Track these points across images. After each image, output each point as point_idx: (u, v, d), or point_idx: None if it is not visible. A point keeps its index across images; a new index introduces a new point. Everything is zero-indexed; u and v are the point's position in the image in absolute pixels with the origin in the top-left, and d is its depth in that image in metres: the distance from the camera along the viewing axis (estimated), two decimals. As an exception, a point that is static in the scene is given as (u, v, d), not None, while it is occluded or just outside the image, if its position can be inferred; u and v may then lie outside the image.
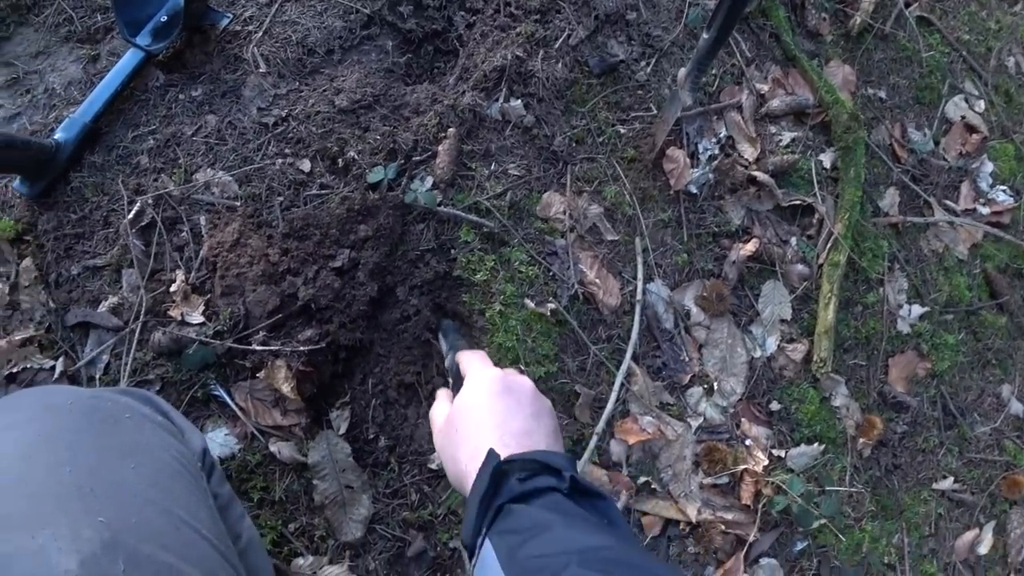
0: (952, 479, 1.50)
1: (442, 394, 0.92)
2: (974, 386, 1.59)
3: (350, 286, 1.05)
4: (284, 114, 1.13)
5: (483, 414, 0.76)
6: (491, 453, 0.68)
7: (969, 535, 1.51)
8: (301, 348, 1.03)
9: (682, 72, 1.22)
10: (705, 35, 1.12)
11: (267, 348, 1.03)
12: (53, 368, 1.05)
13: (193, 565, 0.58)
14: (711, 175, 1.34)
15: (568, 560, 0.55)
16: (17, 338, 1.05)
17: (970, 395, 1.58)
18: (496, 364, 1.12)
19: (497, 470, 0.66)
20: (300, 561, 1.07)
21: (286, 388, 1.03)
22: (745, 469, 1.32)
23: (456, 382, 0.91)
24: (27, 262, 1.08)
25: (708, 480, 1.30)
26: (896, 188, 1.55)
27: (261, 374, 1.04)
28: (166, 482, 0.65)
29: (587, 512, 0.64)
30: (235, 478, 1.06)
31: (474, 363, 0.86)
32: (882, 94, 1.61)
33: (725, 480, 1.31)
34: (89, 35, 1.20)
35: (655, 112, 1.32)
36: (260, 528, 1.05)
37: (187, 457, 0.72)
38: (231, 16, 1.20)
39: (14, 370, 1.05)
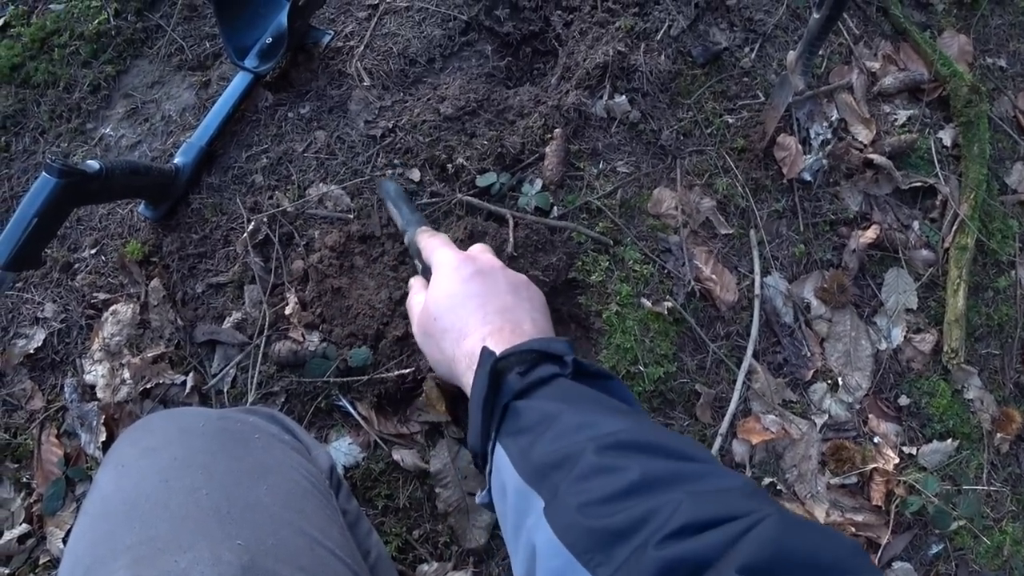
0: (1103, 474, 1.39)
1: (416, 283, 0.91)
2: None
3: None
4: (391, 125, 1.14)
5: (460, 299, 0.75)
6: (485, 351, 0.65)
7: (1126, 534, 1.39)
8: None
9: (791, 55, 1.17)
10: (816, 14, 1.07)
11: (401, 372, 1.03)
12: (184, 383, 1.09)
13: None
14: (825, 161, 1.28)
15: (583, 447, 0.52)
16: (149, 355, 1.09)
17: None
18: (614, 366, 1.11)
19: (494, 368, 0.63)
20: (425, 567, 1.07)
21: (440, 407, 1.04)
22: (875, 468, 1.25)
23: (425, 268, 0.89)
24: (155, 282, 1.12)
25: (836, 480, 1.24)
26: (1024, 163, 1.45)
27: (422, 397, 1.05)
28: (298, 502, 0.65)
29: (597, 394, 0.62)
30: (360, 486, 1.07)
31: (439, 249, 0.85)
32: (1002, 63, 1.51)
33: (853, 480, 1.25)
34: (200, 62, 1.24)
35: (763, 99, 1.27)
36: (385, 535, 1.06)
37: (315, 475, 0.72)
38: (332, 33, 1.22)
39: (148, 386, 1.09)
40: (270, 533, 0.58)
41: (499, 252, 1.01)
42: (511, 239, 1.00)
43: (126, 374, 1.08)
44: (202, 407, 0.99)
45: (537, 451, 0.55)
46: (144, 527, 0.56)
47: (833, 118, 1.31)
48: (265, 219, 1.10)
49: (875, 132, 1.33)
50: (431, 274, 0.84)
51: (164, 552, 0.53)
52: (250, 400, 1.05)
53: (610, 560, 0.45)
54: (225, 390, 1.07)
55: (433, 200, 1.10)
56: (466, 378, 0.69)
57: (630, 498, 0.48)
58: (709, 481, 0.49)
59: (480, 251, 0.87)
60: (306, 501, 0.67)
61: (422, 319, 0.80)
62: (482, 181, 1.10)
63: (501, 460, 0.59)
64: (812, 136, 1.29)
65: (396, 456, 1.06)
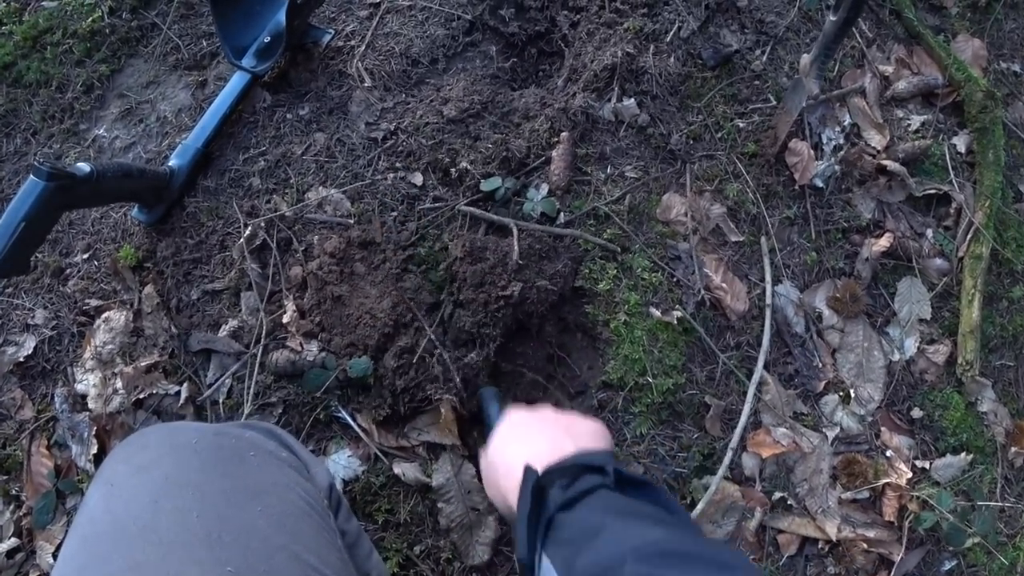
0: (1119, 488, 1.36)
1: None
2: None
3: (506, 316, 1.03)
4: (392, 127, 1.10)
5: (513, 442, 0.76)
6: (528, 470, 0.66)
7: None
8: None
9: (805, 59, 1.14)
10: (832, 17, 1.04)
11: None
12: (178, 393, 1.05)
13: None
14: (837, 167, 1.24)
15: (623, 559, 0.52)
16: (143, 364, 1.06)
17: None
18: (622, 377, 1.08)
19: (536, 484, 0.64)
20: (426, 585, 1.04)
21: (452, 430, 1.01)
22: (887, 483, 1.22)
23: None
24: (148, 289, 1.09)
25: (847, 495, 1.21)
26: (1039, 170, 1.42)
27: (424, 417, 1.03)
28: (294, 525, 0.63)
29: (639, 504, 0.62)
30: (359, 500, 1.03)
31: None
32: (1017, 67, 1.48)
33: (865, 495, 1.22)
34: (196, 62, 1.21)
35: (774, 103, 1.23)
36: (386, 551, 1.03)
37: (313, 495, 0.69)
38: (332, 32, 1.19)
39: (141, 396, 1.06)
40: (263, 559, 0.56)
41: (504, 263, 0.98)
42: (516, 249, 0.97)
43: (119, 383, 1.04)
44: (197, 422, 0.95)
45: (580, 563, 0.56)
46: (131, 552, 0.54)
47: (846, 123, 1.28)
48: (263, 224, 1.07)
49: (888, 138, 1.30)
50: None
51: None
52: (246, 411, 1.01)
53: None
54: (221, 401, 1.04)
55: (436, 206, 1.07)
56: (512, 497, 0.70)
57: None
58: None
59: (541, 408, 0.87)
60: (302, 523, 0.64)
61: (486, 470, 0.81)
62: (486, 186, 1.07)
63: (547, 571, 0.59)
64: (824, 141, 1.26)
65: (397, 470, 1.03)
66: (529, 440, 0.75)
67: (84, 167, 0.90)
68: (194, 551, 0.54)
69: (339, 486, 1.02)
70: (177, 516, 0.56)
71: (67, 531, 0.93)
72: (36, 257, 1.12)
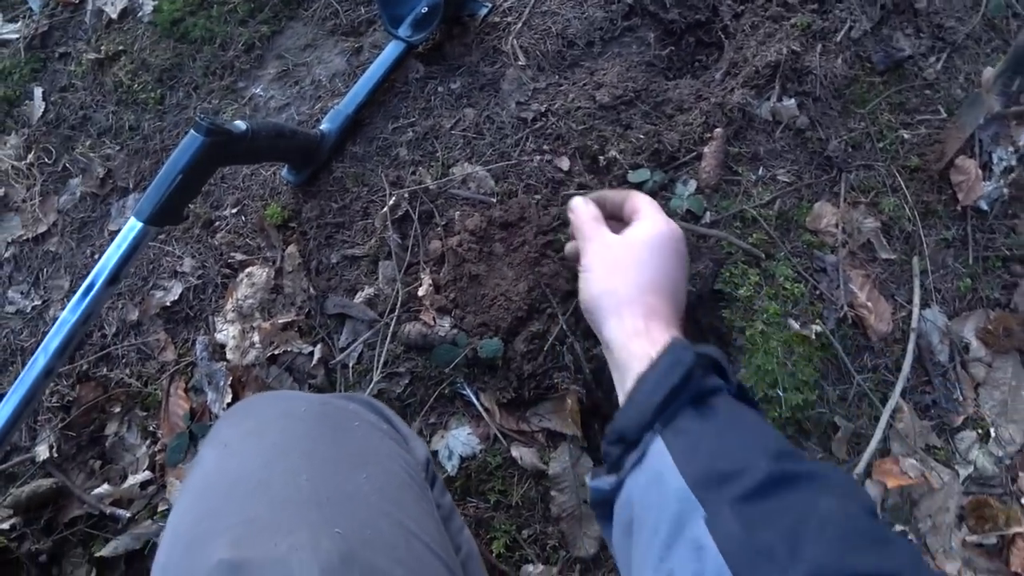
0: None
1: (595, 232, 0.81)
2: None
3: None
4: (543, 109, 1.09)
5: (666, 265, 0.72)
6: (677, 342, 0.63)
7: None
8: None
9: (988, 72, 1.06)
10: (1027, 28, 0.96)
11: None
12: (311, 354, 1.08)
13: None
14: (1005, 189, 1.16)
15: (757, 460, 0.52)
16: (280, 321, 1.09)
17: None
18: (753, 387, 1.04)
19: (691, 367, 0.60)
20: (530, 568, 1.04)
21: (576, 422, 1.00)
22: (1018, 532, 1.14)
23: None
24: (291, 248, 1.12)
25: (973, 538, 1.14)
26: None
27: (548, 405, 1.03)
28: (396, 493, 0.64)
29: (757, 414, 0.62)
30: (474, 478, 1.04)
31: (651, 205, 0.78)
32: None
33: (993, 540, 1.14)
34: (353, 28, 1.22)
35: (944, 116, 1.16)
36: (494, 531, 1.04)
37: (413, 467, 0.71)
38: (490, 6, 1.18)
39: (276, 352, 1.09)
40: (368, 523, 0.57)
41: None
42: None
43: (256, 337, 1.08)
44: (302, 392, 0.98)
45: (705, 456, 0.54)
46: (245, 508, 0.56)
47: (1021, 143, 1.18)
48: (406, 195, 1.08)
49: (1067, 162, 1.20)
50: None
51: (264, 534, 0.53)
52: (375, 379, 1.03)
53: None
54: (351, 365, 1.06)
55: (580, 192, 1.05)
56: (629, 346, 0.66)
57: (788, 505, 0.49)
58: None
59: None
60: (404, 492, 0.65)
61: (617, 251, 0.75)
62: (634, 177, 1.04)
63: (659, 456, 0.56)
64: (995, 161, 1.17)
65: (515, 453, 1.03)
66: (677, 283, 0.73)
67: (240, 125, 0.93)
68: (304, 511, 0.55)
69: (456, 462, 1.03)
70: (288, 478, 0.58)
71: (179, 491, 0.99)
72: (189, 208, 1.16)
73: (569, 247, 0.87)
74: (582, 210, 0.80)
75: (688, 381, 0.59)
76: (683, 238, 0.76)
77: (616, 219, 0.81)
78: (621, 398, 0.65)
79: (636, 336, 0.66)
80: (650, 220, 0.75)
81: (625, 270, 0.71)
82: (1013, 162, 1.18)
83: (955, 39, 1.18)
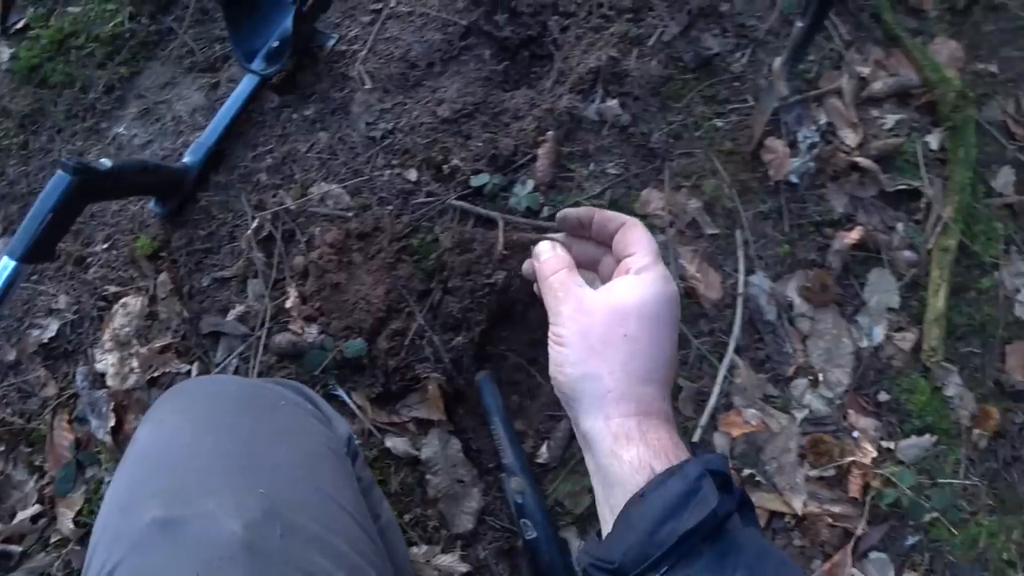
0: (1080, 471, 1.43)
1: (570, 281, 0.61)
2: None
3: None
4: (390, 127, 1.18)
5: (663, 340, 0.57)
6: (687, 462, 0.51)
7: (1100, 529, 1.43)
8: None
9: (777, 62, 1.20)
10: (799, 23, 1.11)
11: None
12: (189, 372, 1.14)
13: (339, 536, 0.63)
14: (812, 164, 1.31)
15: None
16: (157, 345, 1.15)
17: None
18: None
19: (715, 506, 0.48)
20: (415, 550, 1.13)
21: (439, 407, 1.09)
22: (853, 461, 1.29)
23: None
24: (163, 276, 1.18)
25: (814, 472, 1.29)
26: (1011, 167, 1.48)
27: (414, 395, 1.12)
28: (315, 463, 0.71)
29: (772, 548, 0.52)
30: (356, 473, 1.12)
31: (650, 247, 0.61)
32: (993, 68, 1.53)
33: (832, 473, 1.29)
34: (210, 64, 1.29)
35: (752, 103, 1.30)
36: (380, 520, 1.12)
37: (334, 442, 0.78)
38: (336, 37, 1.27)
39: (155, 374, 1.15)
40: (288, 487, 0.64)
41: (489, 253, 1.06)
42: (501, 240, 1.05)
43: (135, 363, 1.14)
44: (233, 376, 1.07)
45: None
46: (174, 474, 0.62)
47: (822, 122, 1.34)
48: (269, 216, 1.16)
49: (862, 136, 1.36)
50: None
51: (192, 495, 0.59)
52: (253, 389, 1.10)
53: None
54: (229, 379, 1.13)
55: (428, 200, 1.15)
56: (618, 452, 0.53)
57: None
58: None
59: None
60: (323, 463, 0.72)
61: (608, 317, 0.57)
62: (476, 181, 1.15)
63: None
64: (800, 139, 1.32)
65: (389, 443, 1.12)
66: (670, 354, 0.57)
67: (106, 163, 0.99)
68: (230, 476, 0.62)
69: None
70: (214, 448, 0.65)
71: (84, 497, 1.05)
72: (60, 246, 1.20)
73: (526, 266, 0.69)
74: (550, 261, 0.63)
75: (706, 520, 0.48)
76: (679, 300, 0.60)
77: (595, 242, 0.68)
78: (603, 511, 0.54)
79: (627, 441, 0.53)
80: (647, 276, 0.58)
81: (614, 350, 0.55)
82: (816, 139, 1.33)
83: (757, 35, 1.34)
